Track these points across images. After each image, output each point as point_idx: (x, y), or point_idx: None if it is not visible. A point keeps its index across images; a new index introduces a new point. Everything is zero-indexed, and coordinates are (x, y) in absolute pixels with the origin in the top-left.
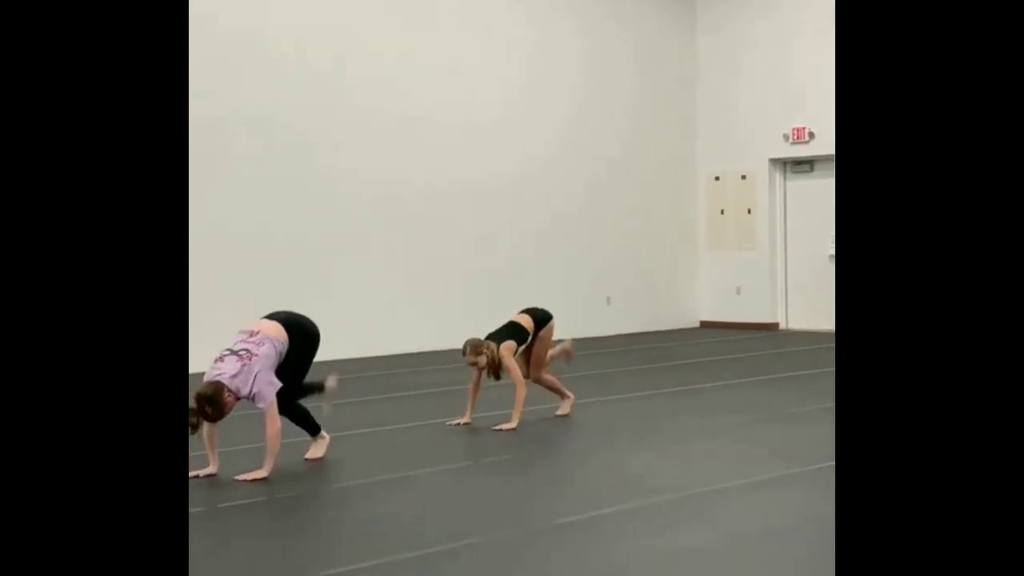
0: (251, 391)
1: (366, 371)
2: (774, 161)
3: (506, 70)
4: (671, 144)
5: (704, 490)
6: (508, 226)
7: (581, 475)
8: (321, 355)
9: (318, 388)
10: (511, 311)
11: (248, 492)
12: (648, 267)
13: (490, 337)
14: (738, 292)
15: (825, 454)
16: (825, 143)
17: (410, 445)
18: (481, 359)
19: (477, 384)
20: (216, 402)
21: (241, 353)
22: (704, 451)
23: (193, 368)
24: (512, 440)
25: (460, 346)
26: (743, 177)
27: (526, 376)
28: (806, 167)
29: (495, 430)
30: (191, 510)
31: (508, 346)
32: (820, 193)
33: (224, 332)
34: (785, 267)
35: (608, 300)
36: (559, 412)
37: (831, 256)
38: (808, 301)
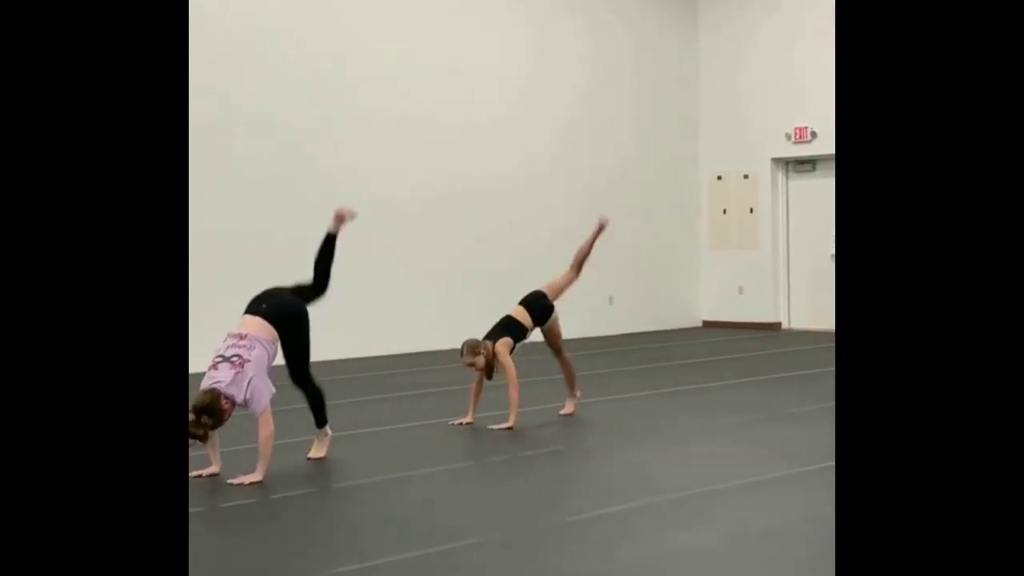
0: (246, 397)
1: (366, 371)
2: (777, 160)
3: (506, 70)
4: (673, 143)
5: (705, 490)
6: (508, 226)
7: (582, 475)
8: (321, 355)
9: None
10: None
11: (249, 492)
12: (650, 267)
13: (487, 337)
14: (740, 292)
15: (826, 454)
16: (828, 142)
17: (411, 445)
18: (479, 359)
19: (480, 384)
20: (214, 411)
21: (233, 360)
22: (705, 451)
23: (193, 368)
24: (513, 440)
25: (459, 346)
26: (745, 176)
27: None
28: (809, 166)
29: (492, 429)
30: (192, 510)
31: (505, 343)
32: (823, 192)
33: (224, 332)
34: (788, 267)
35: (610, 300)
36: (563, 411)
37: (833, 256)
38: (810, 301)
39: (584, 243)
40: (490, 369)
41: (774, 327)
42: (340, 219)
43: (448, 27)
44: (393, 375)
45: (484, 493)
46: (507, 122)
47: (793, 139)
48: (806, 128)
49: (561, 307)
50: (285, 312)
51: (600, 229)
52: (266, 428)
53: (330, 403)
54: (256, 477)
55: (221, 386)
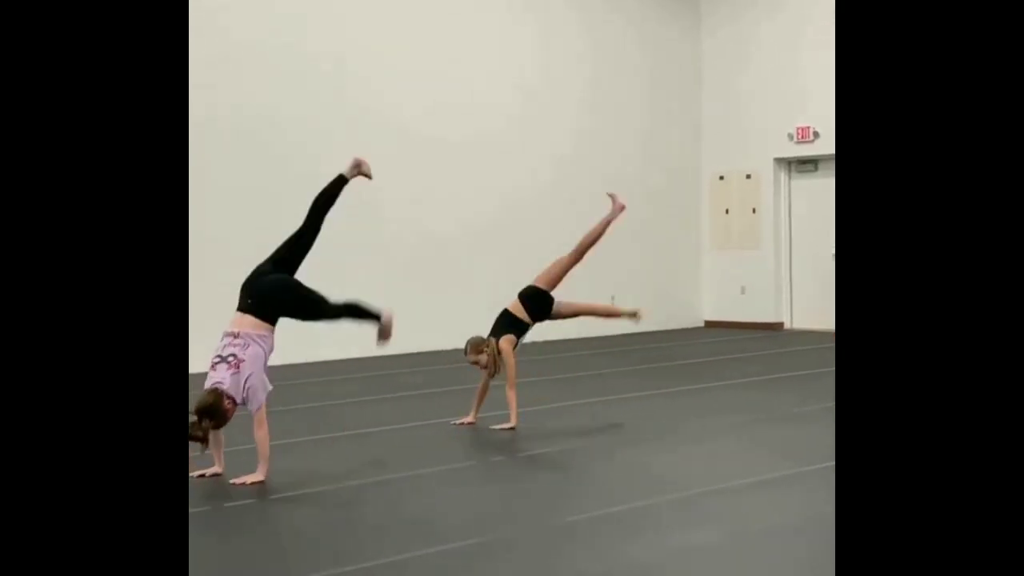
0: (243, 396)
1: (365, 371)
2: (779, 160)
3: (508, 71)
4: (675, 143)
5: (706, 489)
6: (509, 226)
7: (584, 475)
8: (321, 355)
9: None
10: None
11: (250, 492)
12: (652, 266)
13: (491, 334)
14: (742, 292)
15: (828, 454)
16: (830, 143)
17: (412, 445)
18: (483, 357)
19: (486, 385)
20: (217, 411)
21: (230, 360)
22: (706, 451)
23: (193, 368)
24: (514, 440)
25: (461, 346)
26: (748, 176)
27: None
28: (811, 166)
29: (494, 429)
30: (193, 510)
31: (508, 339)
32: (825, 192)
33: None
34: (790, 266)
35: (612, 299)
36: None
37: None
38: (813, 300)
39: (594, 226)
40: (494, 366)
41: (776, 327)
42: (358, 167)
43: (448, 27)
44: (394, 375)
45: (485, 493)
46: (507, 122)
47: (795, 139)
48: (808, 128)
49: None
50: (269, 298)
51: (618, 211)
52: (260, 427)
53: (330, 403)
54: (258, 477)
55: (222, 386)
